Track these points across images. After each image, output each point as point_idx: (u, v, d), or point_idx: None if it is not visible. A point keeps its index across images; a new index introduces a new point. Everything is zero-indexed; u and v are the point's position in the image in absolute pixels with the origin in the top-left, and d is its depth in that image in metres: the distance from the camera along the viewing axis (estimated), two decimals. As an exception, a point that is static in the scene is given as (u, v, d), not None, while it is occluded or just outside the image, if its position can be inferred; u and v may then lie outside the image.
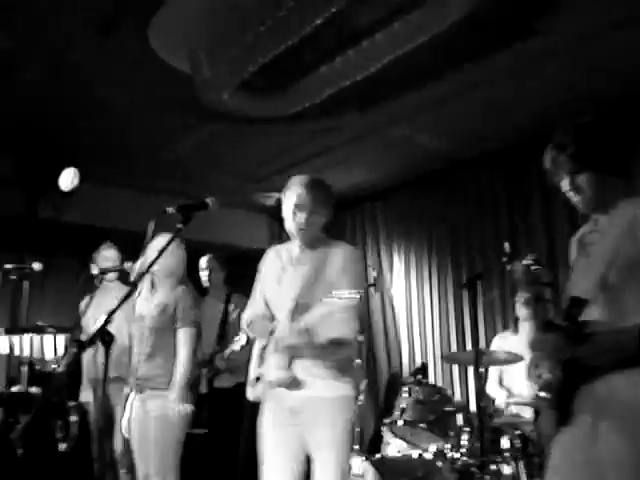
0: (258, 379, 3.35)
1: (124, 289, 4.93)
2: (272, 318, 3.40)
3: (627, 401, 2.17)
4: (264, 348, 3.37)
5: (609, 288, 2.21)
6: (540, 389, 2.26)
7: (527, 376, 2.55)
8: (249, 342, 5.12)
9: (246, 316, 3.54)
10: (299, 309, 3.21)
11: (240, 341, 5.12)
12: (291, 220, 3.38)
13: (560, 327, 2.19)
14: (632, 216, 2.28)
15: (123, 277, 5.10)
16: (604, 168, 2.36)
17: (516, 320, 5.51)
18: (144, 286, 4.11)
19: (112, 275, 5.10)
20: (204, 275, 5.79)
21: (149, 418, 3.87)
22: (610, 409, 2.20)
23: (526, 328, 5.30)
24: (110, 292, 5.03)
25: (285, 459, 3.23)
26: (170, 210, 2.62)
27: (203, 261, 5.82)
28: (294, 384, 3.19)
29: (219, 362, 5.46)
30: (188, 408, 3.90)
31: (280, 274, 3.41)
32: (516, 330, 5.42)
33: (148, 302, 4.06)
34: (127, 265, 4.53)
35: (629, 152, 2.43)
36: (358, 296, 2.96)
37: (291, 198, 3.39)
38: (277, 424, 3.26)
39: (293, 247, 3.48)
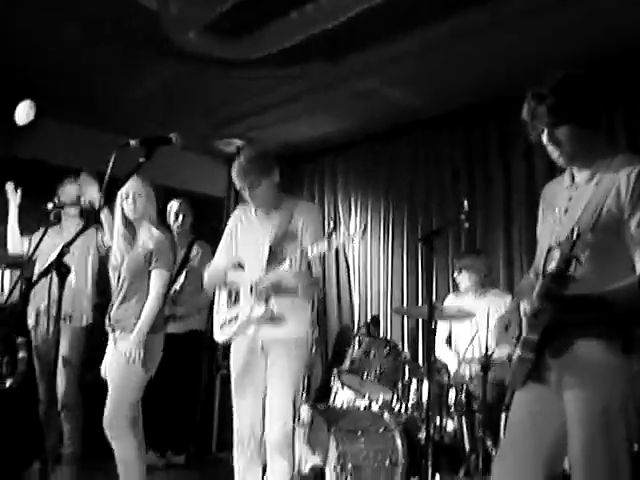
0: (225, 323, 3.81)
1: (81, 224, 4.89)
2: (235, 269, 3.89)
3: (589, 362, 2.24)
4: (230, 295, 3.84)
5: (592, 247, 2.21)
6: (522, 348, 2.30)
7: (499, 336, 2.61)
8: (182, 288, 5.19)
9: (208, 268, 4.00)
10: (273, 258, 3.66)
11: (178, 282, 5.14)
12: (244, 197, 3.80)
13: (557, 296, 2.19)
14: (616, 177, 2.28)
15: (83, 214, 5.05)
16: (583, 121, 2.33)
17: (455, 285, 5.58)
18: (120, 229, 4.04)
19: (72, 211, 5.03)
20: (177, 221, 5.71)
21: (117, 359, 3.89)
22: (573, 368, 2.26)
23: (468, 293, 5.38)
24: (69, 228, 4.97)
25: (254, 392, 3.72)
26: (133, 143, 2.57)
27: (175, 206, 5.73)
28: (273, 319, 3.67)
29: (185, 303, 5.44)
30: (151, 351, 3.89)
31: (250, 230, 3.84)
32: (457, 295, 5.49)
33: (126, 246, 4.02)
34: (83, 201, 4.48)
35: (603, 106, 2.42)
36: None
37: (235, 183, 3.74)
38: (248, 360, 3.74)
39: (259, 209, 3.85)
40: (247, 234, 3.87)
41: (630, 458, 2.19)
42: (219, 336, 3.90)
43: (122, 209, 3.99)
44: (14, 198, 5.06)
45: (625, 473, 2.18)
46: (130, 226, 4.03)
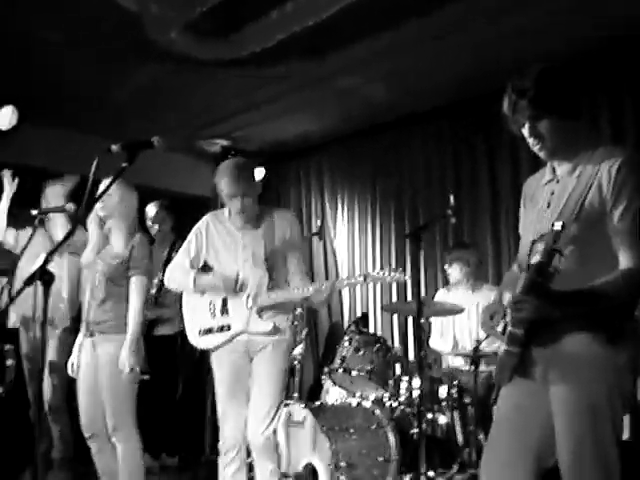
0: (209, 330, 3.79)
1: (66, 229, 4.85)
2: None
3: (575, 355, 2.22)
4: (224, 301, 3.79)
5: (574, 241, 2.19)
6: (508, 343, 2.27)
7: (483, 328, 2.58)
8: (161, 289, 5.18)
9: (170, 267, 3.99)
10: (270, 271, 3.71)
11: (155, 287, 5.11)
12: (229, 205, 3.78)
13: (542, 290, 2.16)
14: (597, 169, 2.27)
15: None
16: (565, 113, 2.30)
17: (446, 279, 5.59)
18: (95, 231, 4.05)
19: (58, 215, 4.98)
20: (153, 226, 5.70)
21: (99, 363, 3.90)
22: (559, 361, 2.25)
23: (459, 287, 5.39)
24: (55, 232, 4.92)
25: (241, 400, 3.72)
26: (114, 148, 2.54)
27: (152, 211, 5.71)
28: (272, 331, 3.69)
29: (169, 305, 5.39)
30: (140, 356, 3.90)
31: (230, 239, 3.83)
32: (449, 289, 5.49)
33: (102, 249, 4.02)
34: (68, 206, 4.44)
35: (585, 97, 2.40)
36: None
37: (223, 188, 3.70)
38: (235, 368, 3.75)
39: (236, 217, 3.83)
40: (225, 242, 3.85)
41: (619, 451, 2.18)
42: (202, 343, 3.86)
43: (96, 210, 3.99)
44: (10, 185, 5.00)
45: (615, 467, 2.17)
46: (104, 227, 4.02)
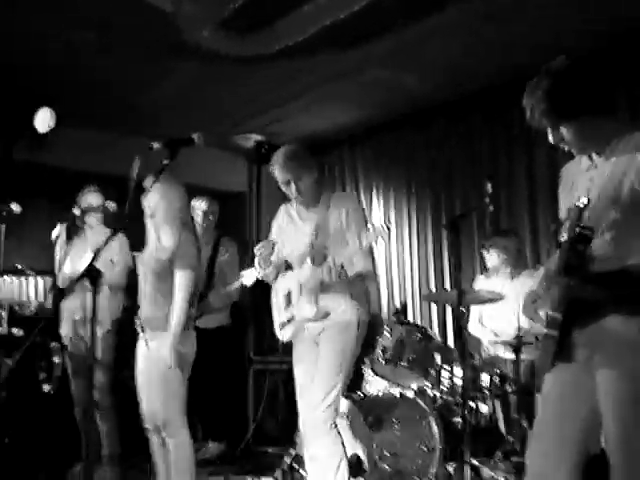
0: (288, 321, 3.89)
1: (106, 231, 4.92)
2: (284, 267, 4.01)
3: (620, 338, 2.20)
4: (289, 294, 3.90)
5: (614, 225, 2.19)
6: (547, 326, 2.28)
7: (525, 313, 2.58)
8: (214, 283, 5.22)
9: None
10: (316, 254, 3.73)
11: (250, 277, 5.08)
12: (286, 192, 3.88)
13: (576, 270, 2.17)
14: (633, 155, 2.26)
15: (106, 220, 5.04)
16: (582, 114, 2.29)
17: (483, 266, 5.56)
18: (150, 229, 4.08)
19: (94, 217, 5.03)
20: (207, 219, 5.75)
21: (151, 358, 3.93)
22: (604, 344, 2.24)
23: (498, 274, 5.36)
24: (93, 234, 4.98)
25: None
26: (156, 146, 2.58)
27: (203, 205, 5.75)
28: (323, 316, 3.72)
29: (214, 299, 5.43)
30: (185, 350, 3.91)
31: (293, 228, 3.95)
32: (488, 275, 5.47)
33: (151, 245, 4.06)
34: (109, 205, 4.49)
35: (611, 88, 2.37)
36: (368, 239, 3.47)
37: (277, 177, 3.82)
38: (305, 353, 3.84)
39: (300, 205, 3.97)
40: (291, 232, 3.97)
41: None
42: (280, 336, 3.98)
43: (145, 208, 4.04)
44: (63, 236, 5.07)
45: None
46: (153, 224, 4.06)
